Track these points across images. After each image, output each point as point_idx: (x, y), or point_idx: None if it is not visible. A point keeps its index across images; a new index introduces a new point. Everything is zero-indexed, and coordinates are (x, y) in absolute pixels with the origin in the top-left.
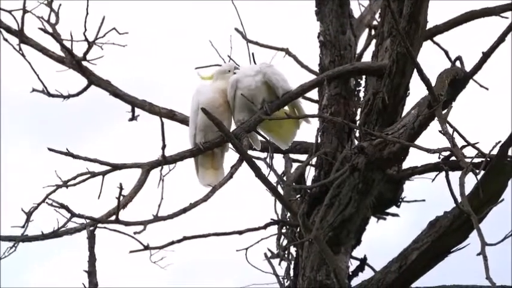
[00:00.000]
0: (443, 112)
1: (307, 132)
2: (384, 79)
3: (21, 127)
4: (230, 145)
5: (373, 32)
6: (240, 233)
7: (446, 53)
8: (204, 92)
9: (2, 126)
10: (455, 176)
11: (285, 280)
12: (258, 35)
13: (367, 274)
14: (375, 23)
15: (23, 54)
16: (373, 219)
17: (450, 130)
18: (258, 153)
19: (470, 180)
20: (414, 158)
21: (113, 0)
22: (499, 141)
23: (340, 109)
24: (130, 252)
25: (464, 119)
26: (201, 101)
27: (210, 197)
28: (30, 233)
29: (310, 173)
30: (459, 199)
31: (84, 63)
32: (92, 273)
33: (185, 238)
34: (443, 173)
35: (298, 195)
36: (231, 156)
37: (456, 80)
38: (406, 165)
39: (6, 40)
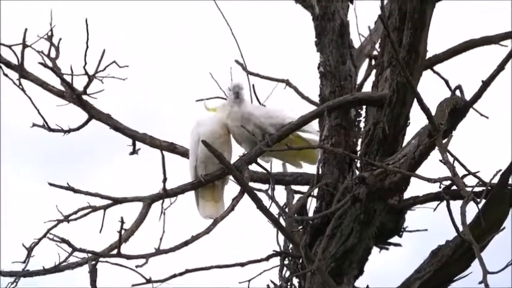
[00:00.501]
0: (444, 141)
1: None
2: (384, 109)
3: (22, 161)
4: (231, 177)
5: (373, 62)
6: (243, 265)
7: (446, 82)
8: (204, 124)
9: (2, 161)
10: (456, 205)
11: None
12: (258, 66)
13: None
14: (375, 53)
15: (23, 89)
16: (375, 250)
17: (451, 159)
18: (260, 185)
19: (472, 209)
20: (415, 188)
21: (113, 33)
22: (500, 170)
23: (341, 140)
24: (133, 286)
25: (465, 148)
26: (201, 133)
27: (212, 229)
28: (32, 268)
29: (311, 204)
30: (461, 228)
31: (85, 97)
32: None
33: (187, 271)
34: (445, 202)
35: (300, 227)
36: (232, 188)
37: (456, 109)
38: (407, 195)
39: (6, 75)
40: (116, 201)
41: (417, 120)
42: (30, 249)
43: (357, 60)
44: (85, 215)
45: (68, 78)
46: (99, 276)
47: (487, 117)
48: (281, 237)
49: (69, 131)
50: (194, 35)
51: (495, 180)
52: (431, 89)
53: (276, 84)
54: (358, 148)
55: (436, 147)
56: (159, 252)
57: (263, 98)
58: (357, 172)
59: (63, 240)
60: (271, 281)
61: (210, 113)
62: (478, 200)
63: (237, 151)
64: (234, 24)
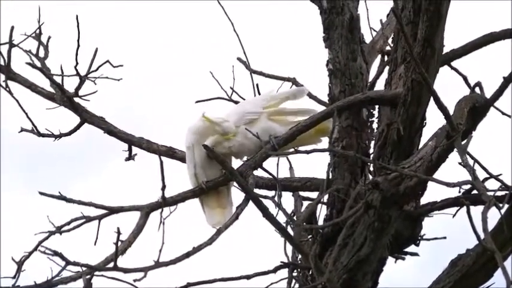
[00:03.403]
0: (463, 142)
1: (318, 167)
2: (398, 109)
3: (10, 169)
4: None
5: (386, 59)
6: (248, 277)
7: (465, 78)
8: (196, 128)
9: None
10: (477, 210)
11: None
12: (262, 64)
13: None
14: (387, 48)
15: (10, 92)
16: (390, 260)
17: (471, 162)
18: (265, 191)
19: (494, 215)
20: (433, 193)
21: (106, 31)
22: None
23: (352, 142)
24: None
25: (486, 150)
26: (194, 138)
27: (215, 239)
28: (22, 283)
29: (321, 212)
30: (482, 235)
31: (76, 99)
32: None
33: (189, 284)
34: (465, 208)
35: (310, 236)
36: (236, 195)
37: (476, 107)
38: (424, 200)
39: None
40: (112, 210)
41: (434, 121)
42: (20, 264)
43: (369, 57)
44: (78, 226)
45: (58, 79)
46: None
47: (509, 116)
48: (289, 248)
49: (60, 135)
50: (194, 32)
51: None
52: (449, 86)
53: (281, 83)
54: (371, 151)
55: (455, 149)
56: (158, 264)
57: None
58: (370, 177)
59: (56, 253)
60: None
61: (206, 123)
62: (501, 205)
63: None
64: (236, 19)
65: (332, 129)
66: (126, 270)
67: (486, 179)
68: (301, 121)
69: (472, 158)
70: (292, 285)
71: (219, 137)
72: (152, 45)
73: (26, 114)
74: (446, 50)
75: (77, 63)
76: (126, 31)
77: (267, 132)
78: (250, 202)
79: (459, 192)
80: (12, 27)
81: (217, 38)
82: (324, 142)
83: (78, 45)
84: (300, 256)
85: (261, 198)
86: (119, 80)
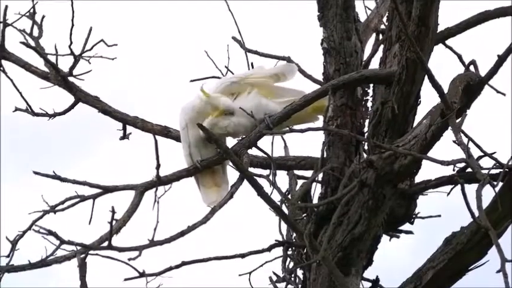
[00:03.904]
0: (457, 121)
1: (313, 146)
2: (393, 87)
3: (4, 149)
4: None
5: (380, 37)
6: (243, 256)
7: (460, 57)
8: (189, 107)
9: None
10: (471, 188)
11: None
12: (257, 43)
13: None
14: (382, 27)
15: (4, 71)
16: (385, 238)
17: (465, 140)
18: (260, 170)
19: (488, 193)
20: (427, 171)
21: (100, 10)
22: None
23: (347, 121)
24: (125, 280)
25: (480, 128)
26: (188, 117)
27: (210, 218)
28: (17, 263)
29: (316, 190)
30: (476, 213)
31: (71, 78)
32: None
33: (184, 263)
34: (459, 186)
35: (304, 214)
36: (231, 174)
37: (470, 85)
38: (418, 178)
39: None
40: (106, 189)
41: (428, 99)
42: (14, 243)
43: (363, 35)
44: (73, 205)
45: (52, 58)
46: (89, 271)
47: (503, 94)
48: (284, 226)
49: (55, 115)
50: (188, 11)
51: None
52: (444, 64)
53: (276, 62)
54: (366, 129)
55: (449, 127)
56: (153, 243)
57: None
58: (365, 155)
59: (50, 232)
60: (274, 273)
61: (203, 97)
62: (495, 183)
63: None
64: None
65: (326, 108)
66: (120, 249)
67: (480, 157)
68: (296, 100)
69: (467, 136)
70: (286, 263)
71: (214, 118)
72: (146, 24)
73: (20, 93)
74: (440, 28)
75: (71, 43)
76: (121, 10)
77: (261, 110)
78: (245, 181)
79: (453, 170)
80: (6, 7)
81: (212, 17)
82: (319, 121)
83: (73, 25)
84: (294, 234)
85: (255, 177)
86: (113, 59)
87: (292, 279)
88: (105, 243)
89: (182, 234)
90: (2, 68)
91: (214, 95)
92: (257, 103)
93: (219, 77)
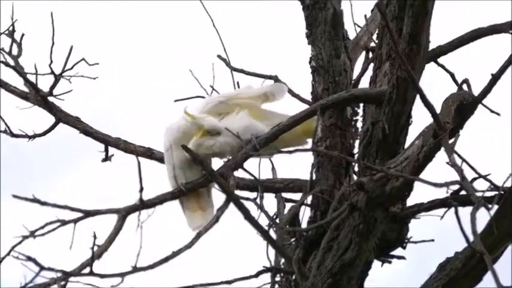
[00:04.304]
0: (451, 141)
1: (301, 168)
2: (383, 107)
3: None
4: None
5: (370, 55)
6: (229, 282)
7: (452, 75)
8: (174, 128)
9: None
10: (466, 212)
11: None
12: (243, 62)
13: None
14: (372, 45)
15: None
16: (376, 263)
17: (459, 161)
18: (247, 193)
19: (483, 217)
20: (420, 194)
21: (82, 28)
22: None
23: (337, 141)
24: None
25: (474, 149)
26: (172, 138)
27: (195, 243)
28: None
29: (305, 214)
30: (471, 238)
31: (51, 98)
32: None
33: None
34: (453, 209)
35: (293, 239)
36: (217, 197)
37: (463, 105)
38: (411, 201)
39: None
40: (88, 213)
41: (420, 119)
42: None
43: (353, 53)
44: (53, 229)
45: (32, 78)
46: None
47: (498, 114)
48: (272, 251)
49: (34, 136)
50: (172, 29)
51: (508, 184)
52: (436, 83)
53: (263, 81)
54: (356, 150)
55: (442, 148)
56: (136, 269)
57: None
58: (355, 177)
59: (29, 258)
60: None
61: (188, 119)
62: (490, 206)
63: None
64: (216, 16)
65: (315, 129)
66: (102, 276)
67: (475, 179)
68: (284, 120)
69: (460, 157)
70: None
71: (199, 138)
72: (129, 43)
73: None
74: (432, 46)
75: (51, 62)
76: (102, 29)
77: (248, 130)
78: (231, 204)
79: (447, 192)
80: None
81: (197, 35)
82: (307, 142)
83: (53, 43)
84: (283, 260)
85: (242, 200)
86: (94, 78)
87: None
88: (87, 270)
89: (166, 260)
90: None
91: (199, 116)
92: (244, 124)
93: (203, 97)
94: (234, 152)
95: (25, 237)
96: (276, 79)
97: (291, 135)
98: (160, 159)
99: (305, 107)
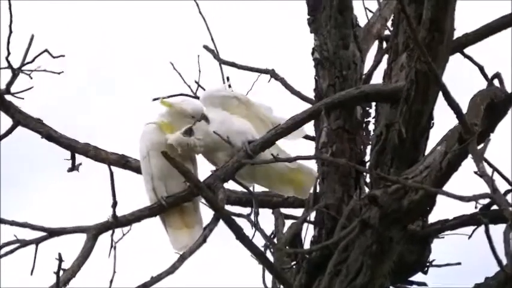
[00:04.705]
0: (479, 147)
1: None
2: (399, 106)
3: None
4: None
5: (384, 45)
6: None
7: (481, 69)
8: (152, 131)
9: None
10: (497, 230)
11: None
12: (234, 53)
13: None
14: (386, 33)
15: None
16: None
17: (489, 170)
18: (239, 208)
19: None
20: (444, 209)
21: (45, 14)
22: None
23: (344, 147)
24: None
25: (507, 156)
26: (150, 143)
27: (178, 267)
28: None
29: (308, 233)
30: (504, 261)
31: (8, 97)
32: None
33: None
34: (482, 226)
35: (294, 262)
36: (204, 212)
37: (494, 104)
38: (433, 218)
39: None
40: (52, 233)
41: (443, 120)
42: None
43: (364, 43)
44: (11, 251)
45: None
46: None
47: None
48: (269, 276)
49: None
50: (148, 13)
51: None
52: (462, 78)
53: (257, 76)
54: (367, 158)
55: (470, 155)
56: None
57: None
58: (366, 189)
59: None
60: None
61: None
62: None
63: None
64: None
65: (319, 132)
66: None
67: (508, 191)
68: (282, 123)
69: (491, 165)
70: None
71: (181, 134)
72: (97, 30)
73: None
74: (457, 34)
75: (9, 53)
76: (68, 14)
77: (240, 134)
78: (221, 221)
79: (475, 207)
80: None
81: (179, 21)
82: (310, 147)
83: (10, 32)
84: (282, 287)
85: (233, 217)
86: (59, 73)
87: None
88: None
89: (145, 286)
90: None
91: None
92: (237, 127)
93: (188, 95)
94: (225, 149)
95: None
96: (272, 73)
97: (276, 175)
98: (136, 168)
99: (307, 106)
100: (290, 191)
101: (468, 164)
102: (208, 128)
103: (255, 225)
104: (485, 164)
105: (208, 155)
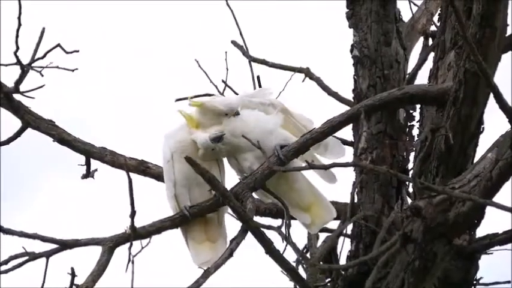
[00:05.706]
0: None
1: (340, 188)
2: (446, 109)
3: None
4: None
5: (430, 42)
6: None
7: None
8: (176, 134)
9: None
10: None
11: None
12: (265, 50)
13: None
14: (432, 28)
15: None
16: None
17: None
18: (269, 219)
19: None
20: (493, 222)
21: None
22: None
23: (386, 154)
24: None
25: None
26: (173, 142)
27: (202, 284)
28: None
29: (344, 247)
30: None
31: (17, 96)
32: None
33: None
34: None
35: (328, 279)
36: (231, 223)
37: None
38: (481, 232)
39: None
40: (64, 245)
41: (494, 125)
42: None
43: (407, 40)
44: (20, 265)
45: None
46: None
47: None
48: None
49: None
50: (173, 10)
51: None
52: None
53: (291, 75)
54: (411, 166)
55: None
56: None
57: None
58: (409, 200)
59: None
60: None
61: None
62: None
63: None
64: None
65: (358, 137)
66: None
67: None
68: (317, 127)
69: None
70: None
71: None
72: (117, 25)
73: None
74: (510, 30)
75: (18, 48)
76: (84, 8)
77: (273, 139)
78: (249, 234)
79: None
80: None
81: (206, 15)
82: (348, 154)
83: (19, 25)
84: None
85: (263, 229)
86: (73, 70)
87: None
88: None
89: None
90: None
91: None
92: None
93: (213, 94)
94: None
95: None
96: (307, 72)
97: (296, 195)
98: (157, 175)
99: (345, 108)
100: (307, 219)
101: None
102: (237, 129)
103: (287, 238)
104: None
105: (232, 153)
